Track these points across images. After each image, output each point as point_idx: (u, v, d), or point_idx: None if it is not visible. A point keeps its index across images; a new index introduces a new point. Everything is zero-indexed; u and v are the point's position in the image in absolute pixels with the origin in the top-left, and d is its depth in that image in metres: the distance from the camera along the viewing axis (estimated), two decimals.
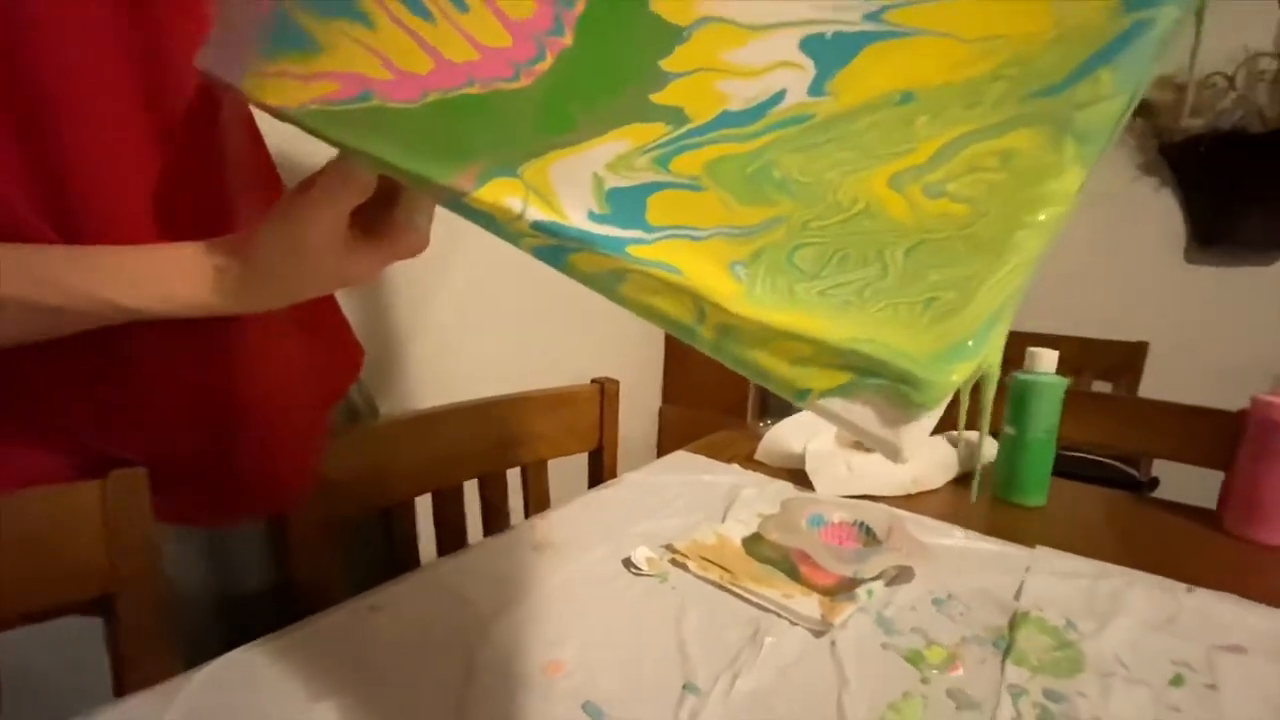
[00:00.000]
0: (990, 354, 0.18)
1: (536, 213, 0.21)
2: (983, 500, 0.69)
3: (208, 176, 0.39)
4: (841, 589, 0.47)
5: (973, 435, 0.75)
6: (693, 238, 0.20)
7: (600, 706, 0.36)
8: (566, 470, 0.80)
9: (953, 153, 0.18)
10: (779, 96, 0.19)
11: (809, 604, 0.45)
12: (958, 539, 0.58)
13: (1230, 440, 0.78)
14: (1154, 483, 1.10)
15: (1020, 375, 0.66)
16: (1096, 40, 0.17)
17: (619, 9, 0.21)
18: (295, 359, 0.49)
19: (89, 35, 0.33)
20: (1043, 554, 0.55)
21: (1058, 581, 0.50)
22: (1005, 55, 0.18)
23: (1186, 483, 0.88)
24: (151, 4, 0.35)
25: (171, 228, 0.35)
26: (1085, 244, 1.71)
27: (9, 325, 0.33)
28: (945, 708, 0.37)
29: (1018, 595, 0.49)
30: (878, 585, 0.48)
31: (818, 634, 0.43)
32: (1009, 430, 0.67)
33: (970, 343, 0.17)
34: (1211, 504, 0.69)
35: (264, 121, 0.40)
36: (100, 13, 0.33)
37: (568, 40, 0.21)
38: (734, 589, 0.47)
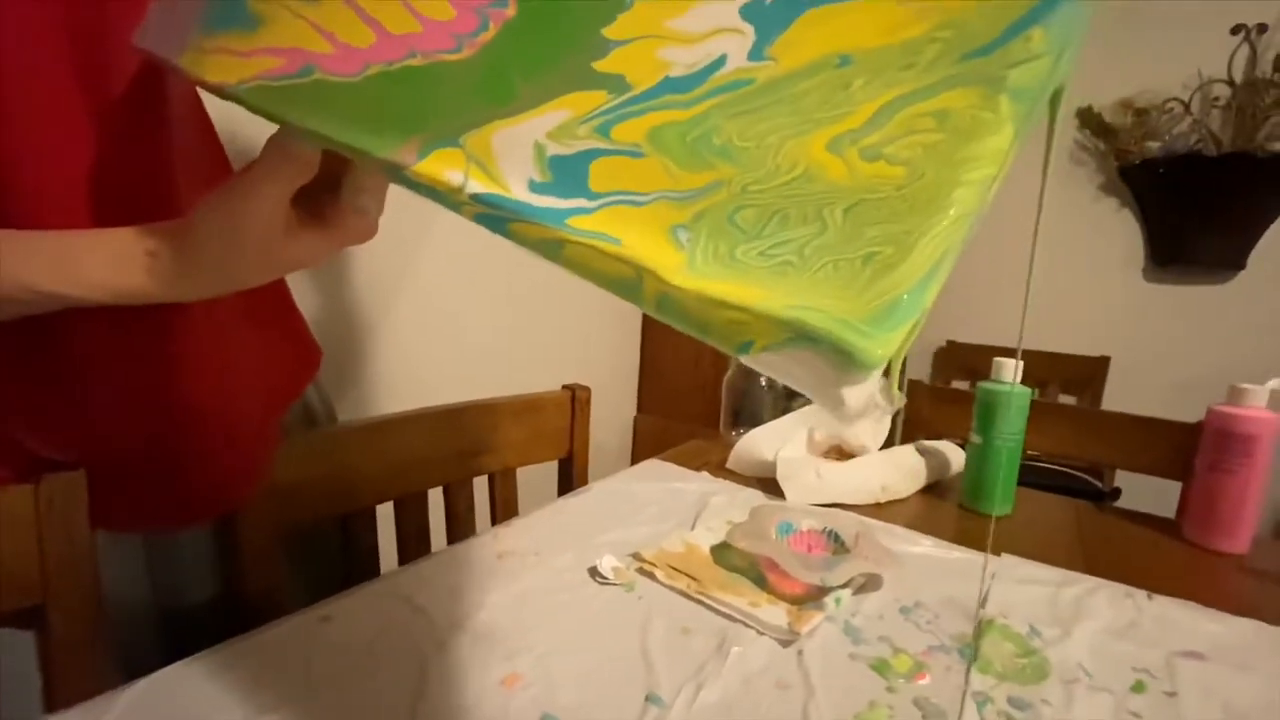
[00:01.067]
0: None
1: (477, 185, 0.20)
2: (950, 509, 0.69)
3: (150, 160, 0.37)
4: (809, 597, 0.47)
5: (939, 445, 0.76)
6: (635, 203, 0.19)
7: (559, 718, 0.35)
8: (536, 479, 0.78)
9: (889, 115, 0.18)
10: (719, 62, 0.19)
11: (776, 613, 0.45)
12: (925, 547, 0.58)
13: (1187, 451, 0.80)
14: (1116, 493, 1.13)
15: (986, 385, 0.67)
16: (1026, 1, 0.17)
17: None
18: (245, 356, 0.47)
19: (23, 11, 0.31)
20: (1008, 562, 0.56)
21: (1022, 589, 0.51)
22: (939, 18, 0.18)
23: (1147, 493, 0.90)
24: None
25: (109, 213, 0.34)
26: (1048, 261, 1.76)
27: None
28: (912, 716, 0.36)
29: (983, 603, 0.49)
30: (845, 593, 0.47)
31: (785, 643, 0.42)
32: (975, 439, 0.67)
33: (906, 296, 0.17)
34: (1171, 514, 0.71)
35: (215, 106, 0.39)
36: None
37: (510, 11, 0.21)
38: (701, 598, 0.47)
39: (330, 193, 0.30)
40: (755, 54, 0.19)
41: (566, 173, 0.20)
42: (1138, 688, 0.39)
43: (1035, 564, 0.55)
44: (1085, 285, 1.72)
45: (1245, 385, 0.60)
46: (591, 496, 0.66)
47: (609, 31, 0.20)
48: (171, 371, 0.41)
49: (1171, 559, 0.60)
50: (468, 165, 0.20)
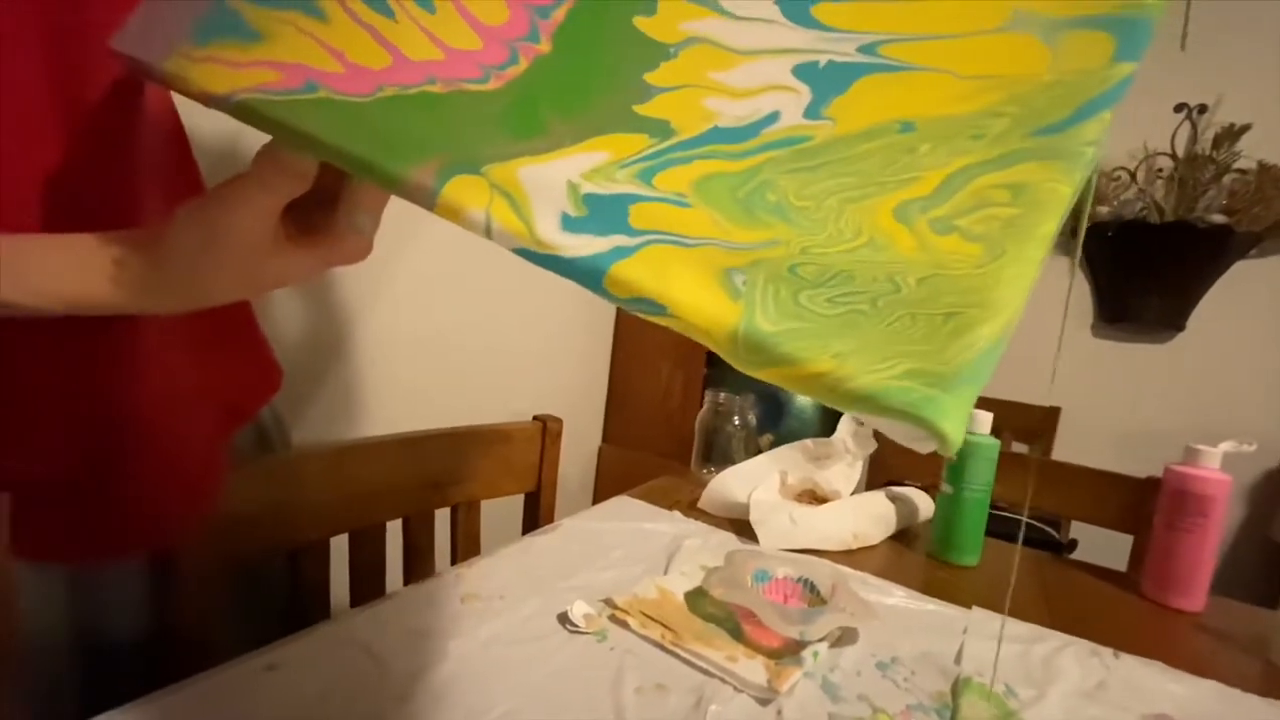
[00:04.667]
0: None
1: (501, 228, 0.19)
2: (918, 558, 0.69)
3: (116, 171, 0.34)
4: (787, 651, 0.46)
5: (907, 491, 0.76)
6: (682, 243, 0.18)
7: None
8: (500, 512, 0.75)
9: (960, 184, 0.18)
10: (773, 117, 0.19)
11: (754, 668, 0.43)
12: (898, 598, 0.57)
13: (1139, 506, 0.82)
14: (1073, 544, 1.15)
15: None
16: (1097, 86, 0.17)
17: (602, 22, 0.20)
18: (196, 371, 0.44)
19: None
20: (979, 616, 0.55)
21: (993, 645, 0.50)
22: (1003, 94, 0.18)
23: (1099, 543, 0.92)
24: None
25: (74, 221, 0.31)
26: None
27: None
28: None
29: (958, 659, 0.48)
30: (823, 647, 0.46)
31: (764, 702, 0.41)
32: (946, 489, 0.68)
33: (987, 349, 0.16)
34: (1122, 565, 0.72)
35: (195, 116, 0.37)
36: None
37: (544, 48, 0.21)
38: (677, 650, 0.45)
39: (323, 208, 0.28)
40: (811, 113, 0.19)
41: (603, 209, 0.18)
42: None
43: (1007, 619, 0.55)
44: (1038, 338, 1.79)
45: (1200, 446, 0.62)
46: (559, 536, 0.64)
47: (651, 77, 0.19)
48: (111, 383, 0.37)
49: (1131, 616, 0.61)
50: (491, 197, 0.19)
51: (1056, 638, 0.52)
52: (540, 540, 0.63)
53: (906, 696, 0.43)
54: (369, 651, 0.42)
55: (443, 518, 0.68)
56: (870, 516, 0.70)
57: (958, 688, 0.44)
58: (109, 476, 0.40)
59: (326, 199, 0.28)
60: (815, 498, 0.74)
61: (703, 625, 0.48)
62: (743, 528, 0.68)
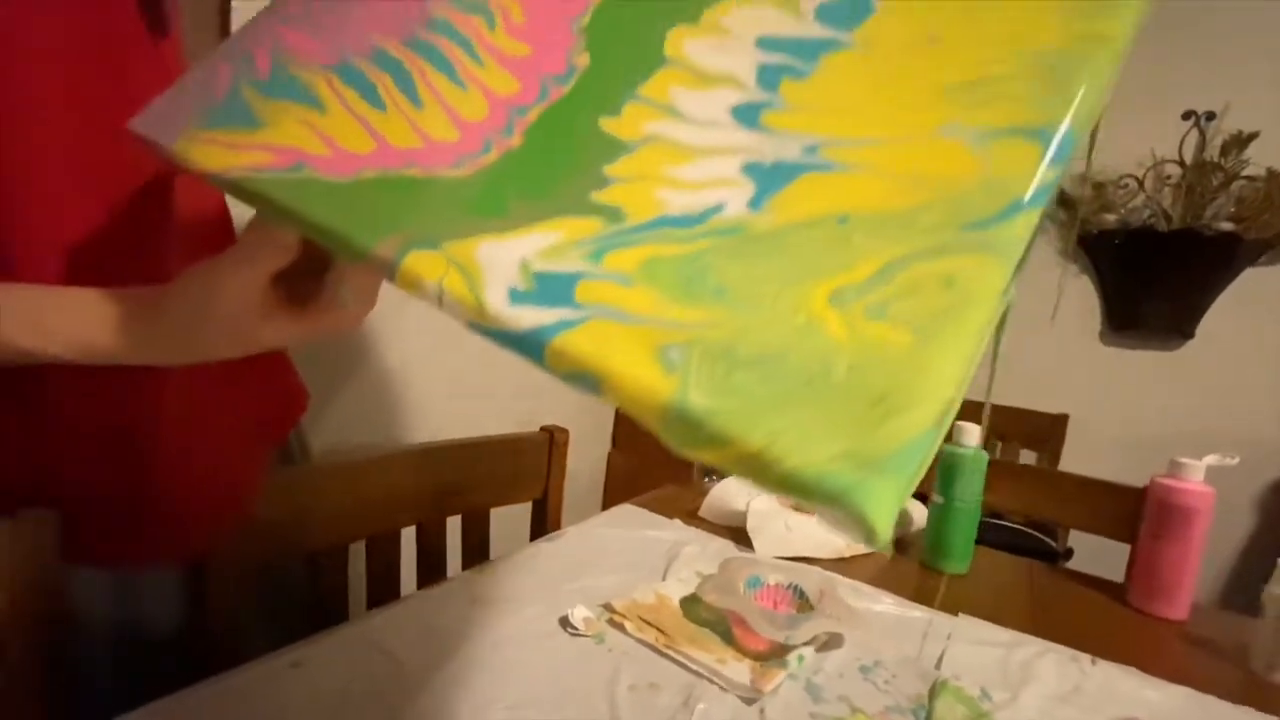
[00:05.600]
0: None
1: (451, 299, 0.20)
2: (911, 566, 0.71)
3: (154, 225, 0.38)
4: (773, 654, 0.48)
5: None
6: (623, 319, 0.19)
7: None
8: (509, 519, 0.79)
9: (893, 273, 0.18)
10: (719, 208, 0.20)
11: (740, 670, 0.46)
12: (886, 605, 0.60)
13: (1133, 515, 0.84)
14: (1069, 553, 1.16)
15: (948, 447, 0.70)
16: (1025, 186, 0.19)
17: (571, 121, 0.23)
18: (227, 401, 0.47)
19: (50, 79, 0.33)
20: (964, 622, 0.58)
21: (976, 650, 0.53)
22: (934, 193, 0.19)
23: (1099, 553, 0.94)
24: (122, 56, 0.35)
25: (102, 269, 0.35)
26: (1011, 321, 1.83)
27: None
28: None
29: (939, 664, 0.50)
30: (808, 651, 0.49)
31: (748, 701, 0.43)
32: (937, 499, 0.70)
33: (918, 437, 0.16)
34: (1120, 576, 0.74)
35: None
36: (65, 59, 0.34)
37: (516, 142, 0.23)
38: (669, 652, 0.48)
39: (312, 281, 0.31)
40: (755, 204, 0.20)
41: (551, 285, 0.20)
42: None
43: (989, 625, 0.57)
44: (1045, 345, 1.79)
45: (1184, 460, 0.64)
46: (564, 542, 0.67)
47: (610, 169, 0.21)
48: (149, 415, 0.41)
49: (1116, 624, 0.62)
50: (446, 270, 0.21)
51: (1037, 644, 0.55)
52: (546, 546, 0.66)
53: (885, 698, 0.46)
54: (385, 650, 0.46)
55: (454, 525, 0.72)
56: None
57: (935, 690, 0.47)
58: (148, 490, 0.44)
59: (316, 272, 0.31)
60: (809, 508, 0.76)
61: (695, 629, 0.51)
62: (740, 535, 0.71)
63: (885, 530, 0.16)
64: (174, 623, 0.51)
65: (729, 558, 0.62)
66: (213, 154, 0.26)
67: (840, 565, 0.68)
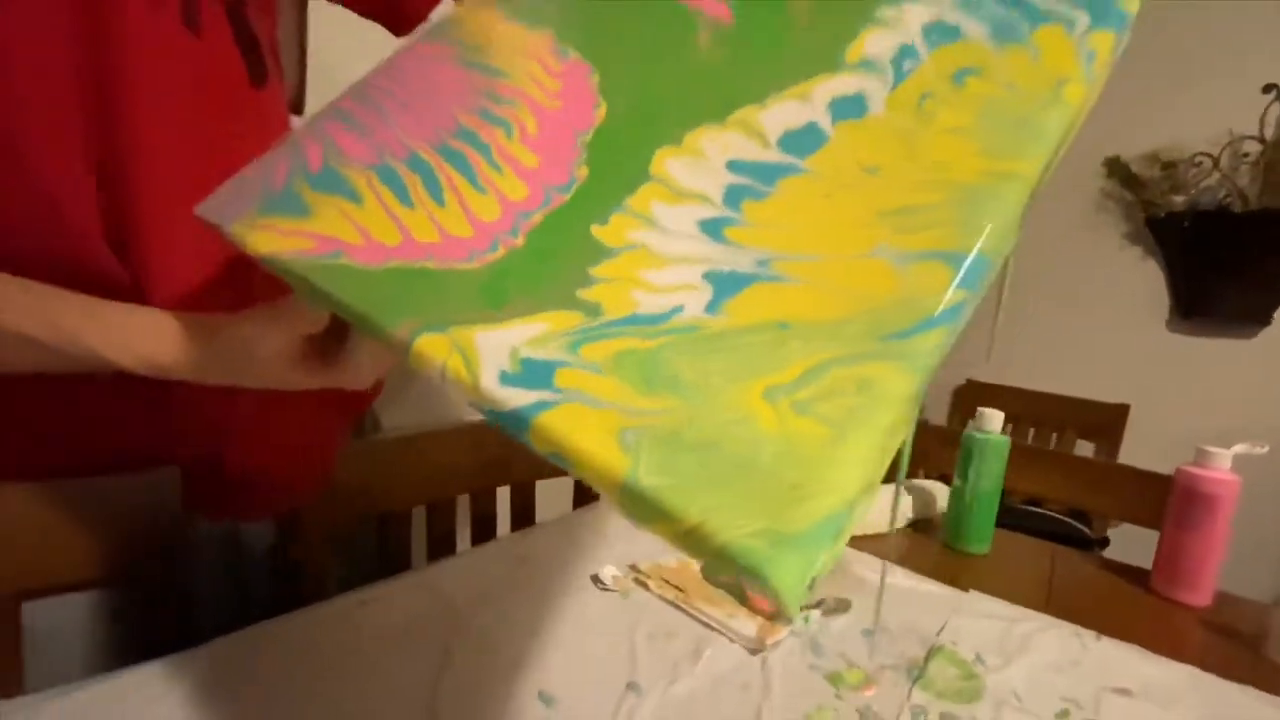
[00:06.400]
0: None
1: (452, 378, 0.24)
2: (932, 546, 0.74)
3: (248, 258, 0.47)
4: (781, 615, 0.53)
5: (927, 484, 0.81)
6: (592, 404, 0.21)
7: (553, 695, 0.42)
8: (552, 490, 0.86)
9: (818, 374, 0.20)
10: (680, 309, 0.23)
11: (748, 625, 0.51)
12: (899, 579, 0.63)
13: (1166, 502, 0.83)
14: (1104, 541, 1.15)
15: (969, 432, 0.72)
16: (936, 304, 0.21)
17: (567, 226, 0.26)
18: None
19: (168, 123, 0.41)
20: (973, 597, 0.61)
21: (978, 622, 0.56)
22: (861, 306, 0.21)
23: (1141, 543, 0.93)
24: (228, 102, 0.43)
25: (210, 298, 0.42)
26: (1071, 307, 1.78)
27: (10, 354, 0.38)
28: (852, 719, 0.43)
29: (940, 632, 0.54)
30: (814, 613, 0.53)
31: (753, 651, 0.49)
32: (958, 482, 0.72)
33: (840, 515, 0.18)
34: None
35: None
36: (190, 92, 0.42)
37: (519, 242, 0.26)
38: (685, 607, 0.53)
39: (337, 342, 0.36)
40: (710, 308, 0.23)
41: (535, 370, 0.23)
42: (1062, 715, 0.45)
43: (998, 601, 0.60)
44: (1107, 332, 1.73)
45: (1211, 448, 0.64)
46: (600, 512, 0.74)
47: (594, 270, 0.24)
48: (254, 396, 0.49)
49: (1135, 608, 0.64)
50: (450, 352, 0.24)
51: (1042, 620, 0.57)
52: (584, 515, 0.72)
53: (883, 657, 0.50)
54: (440, 594, 0.53)
55: (503, 494, 0.80)
56: (884, 505, 0.75)
57: (930, 653, 0.50)
58: (249, 458, 0.52)
59: (339, 336, 0.36)
60: None
61: (712, 590, 0.56)
62: None
63: (792, 600, 0.18)
64: (267, 564, 0.60)
65: None
66: (265, 238, 0.29)
67: (861, 542, 0.72)
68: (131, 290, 0.44)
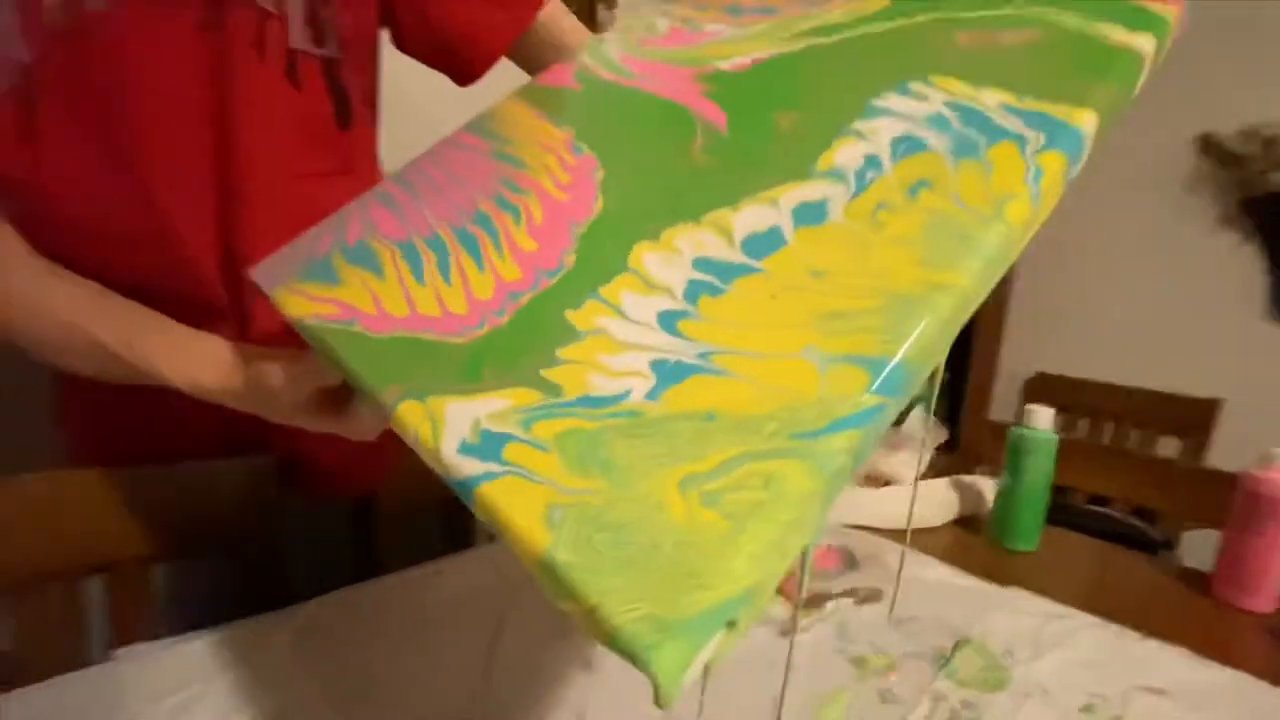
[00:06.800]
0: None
1: (418, 442, 0.26)
2: (978, 541, 0.74)
3: None
4: (814, 602, 0.56)
5: (976, 480, 0.81)
6: (530, 478, 0.23)
7: (596, 663, 0.47)
8: None
9: (731, 467, 0.21)
10: (626, 394, 0.24)
11: (781, 609, 0.54)
12: (939, 572, 0.64)
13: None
14: (1169, 544, 1.09)
15: (1017, 429, 0.72)
16: (849, 409, 0.21)
17: (546, 309, 0.28)
18: None
19: (272, 153, 0.48)
20: (1013, 594, 0.61)
21: (1014, 617, 0.56)
22: (782, 403, 0.22)
23: (1207, 547, 0.89)
24: (321, 138, 0.51)
25: None
26: (1157, 295, 1.68)
27: (83, 360, 0.44)
28: (871, 701, 0.45)
29: (972, 624, 0.55)
30: (846, 602, 0.56)
31: (782, 633, 0.52)
32: (1005, 479, 0.72)
33: (728, 607, 0.19)
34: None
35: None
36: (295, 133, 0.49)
37: (504, 320, 0.28)
38: None
39: (347, 393, 0.39)
40: (651, 395, 0.24)
41: (490, 442, 0.24)
42: (1087, 709, 0.45)
43: (1037, 598, 0.60)
44: (1196, 322, 1.62)
45: (1277, 450, 0.62)
46: None
47: (561, 352, 0.26)
48: None
49: (1190, 611, 0.62)
50: (422, 419, 0.26)
51: (1082, 618, 0.57)
52: None
53: (910, 646, 0.51)
54: (499, 568, 0.59)
55: None
56: (929, 500, 0.76)
57: (959, 645, 0.52)
58: (329, 450, 0.59)
59: (350, 390, 0.39)
60: (877, 481, 0.81)
61: None
62: None
63: (669, 688, 0.18)
64: (348, 539, 0.68)
65: None
66: (296, 302, 0.33)
67: (902, 536, 0.73)
68: (234, 315, 0.52)
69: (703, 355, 0.24)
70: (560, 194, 0.33)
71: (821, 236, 0.26)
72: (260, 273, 0.37)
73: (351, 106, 0.54)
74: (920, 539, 0.73)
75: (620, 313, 0.26)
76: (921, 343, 0.22)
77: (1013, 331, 1.86)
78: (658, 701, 0.18)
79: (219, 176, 0.49)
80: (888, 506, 0.75)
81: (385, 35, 0.58)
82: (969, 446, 1.25)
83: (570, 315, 0.27)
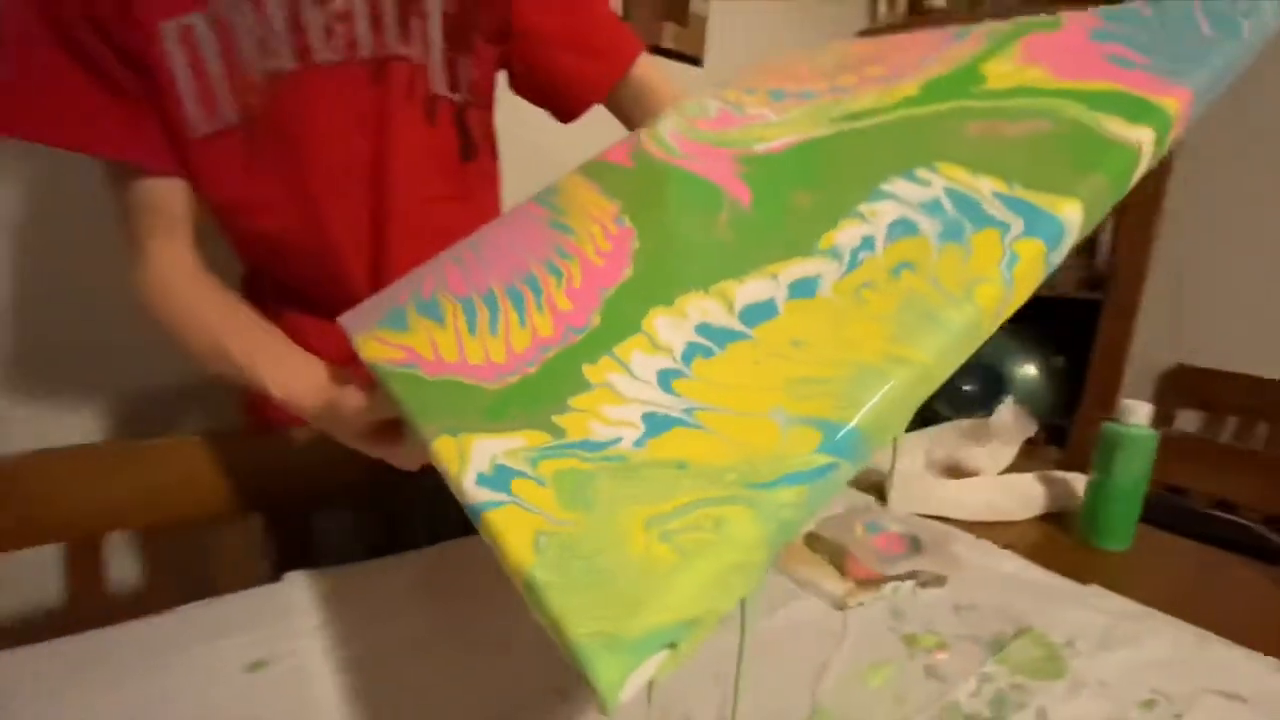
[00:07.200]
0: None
1: (447, 472, 0.29)
2: (1065, 539, 0.72)
3: None
4: (872, 582, 0.58)
5: (1069, 476, 0.78)
6: (526, 508, 0.25)
7: None
8: None
9: (688, 510, 0.23)
10: (617, 440, 0.26)
11: (838, 585, 0.57)
12: (1012, 565, 0.64)
13: None
14: None
15: (1110, 425, 0.69)
16: (799, 465, 0.23)
17: (568, 364, 0.31)
18: None
19: (410, 185, 0.58)
20: (1092, 591, 0.60)
21: (1084, 612, 0.55)
22: (743, 456, 0.24)
23: None
24: (449, 171, 0.64)
25: None
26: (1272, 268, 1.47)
27: (214, 364, 0.54)
28: (916, 675, 0.47)
29: (1037, 616, 0.55)
30: (906, 585, 0.57)
31: (837, 607, 0.55)
32: (1096, 475, 0.70)
33: (665, 632, 0.20)
34: None
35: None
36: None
37: (533, 370, 0.32)
38: (781, 566, 0.61)
39: (401, 426, 0.44)
40: (638, 443, 0.26)
41: (501, 475, 0.27)
42: (1147, 705, 0.45)
43: (1119, 597, 0.58)
44: None
45: None
46: None
47: (572, 400, 0.29)
48: None
49: None
50: (453, 453, 0.29)
51: (1164, 619, 0.55)
52: None
53: (966, 630, 0.53)
54: None
55: None
56: (1011, 493, 0.75)
57: (1018, 633, 0.52)
58: None
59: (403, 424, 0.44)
60: (958, 473, 0.80)
61: (810, 555, 0.63)
62: (882, 492, 0.78)
63: (609, 697, 0.20)
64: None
65: (857, 505, 0.71)
66: (372, 347, 0.39)
67: (980, 528, 0.72)
68: None
69: (687, 410, 0.26)
70: (599, 260, 0.37)
71: (808, 309, 0.28)
72: (347, 320, 0.43)
73: (474, 141, 0.65)
74: (1001, 532, 0.72)
75: (627, 369, 0.29)
76: (877, 411, 0.24)
77: (1148, 317, 1.69)
78: (601, 709, 0.20)
79: (373, 203, 0.61)
80: (964, 497, 0.74)
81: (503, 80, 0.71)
82: (1080, 444, 1.18)
83: (586, 369, 0.30)
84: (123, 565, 0.73)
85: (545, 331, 0.34)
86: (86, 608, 0.63)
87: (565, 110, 0.71)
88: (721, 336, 0.29)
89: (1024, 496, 0.75)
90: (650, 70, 0.70)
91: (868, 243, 0.30)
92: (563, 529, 0.24)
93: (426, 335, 0.38)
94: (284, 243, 0.61)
